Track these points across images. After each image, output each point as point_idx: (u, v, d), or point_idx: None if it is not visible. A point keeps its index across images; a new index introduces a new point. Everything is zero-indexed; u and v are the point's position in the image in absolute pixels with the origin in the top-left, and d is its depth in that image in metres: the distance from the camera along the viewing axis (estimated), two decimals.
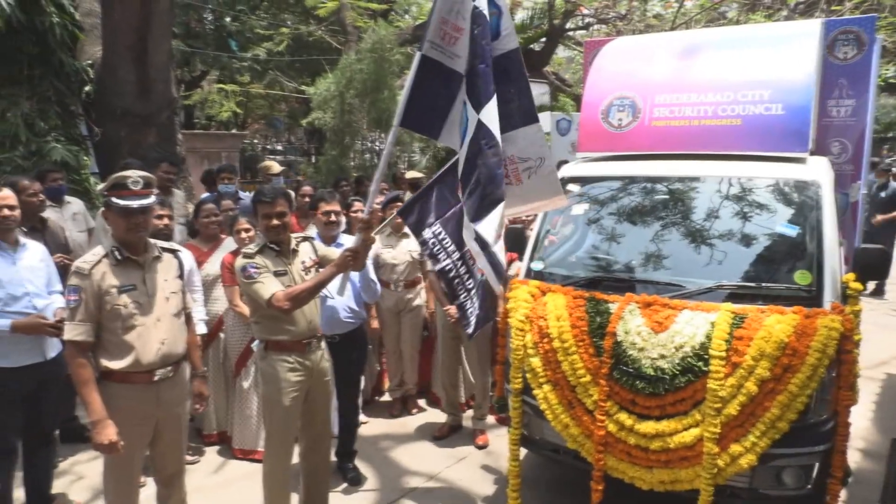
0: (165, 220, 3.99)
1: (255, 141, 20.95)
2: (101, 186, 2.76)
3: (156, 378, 2.77)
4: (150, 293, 2.79)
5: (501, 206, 2.93)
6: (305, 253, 3.33)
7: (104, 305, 2.66)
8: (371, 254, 4.75)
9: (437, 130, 3.32)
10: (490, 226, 2.89)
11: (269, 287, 3.03)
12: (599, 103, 3.95)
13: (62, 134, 6.37)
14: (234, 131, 17.68)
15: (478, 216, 2.93)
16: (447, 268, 3.64)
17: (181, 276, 2.99)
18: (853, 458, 4.20)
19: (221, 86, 16.06)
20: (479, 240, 2.95)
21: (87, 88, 6.98)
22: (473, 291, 3.76)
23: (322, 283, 3.11)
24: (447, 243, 3.57)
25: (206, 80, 17.34)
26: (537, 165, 3.13)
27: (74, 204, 4.91)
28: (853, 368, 2.80)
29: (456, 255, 3.60)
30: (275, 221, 3.15)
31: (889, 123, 21.91)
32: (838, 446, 2.80)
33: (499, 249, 3.00)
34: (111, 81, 6.68)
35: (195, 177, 7.66)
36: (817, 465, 2.82)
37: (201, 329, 3.98)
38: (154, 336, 2.76)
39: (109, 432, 2.62)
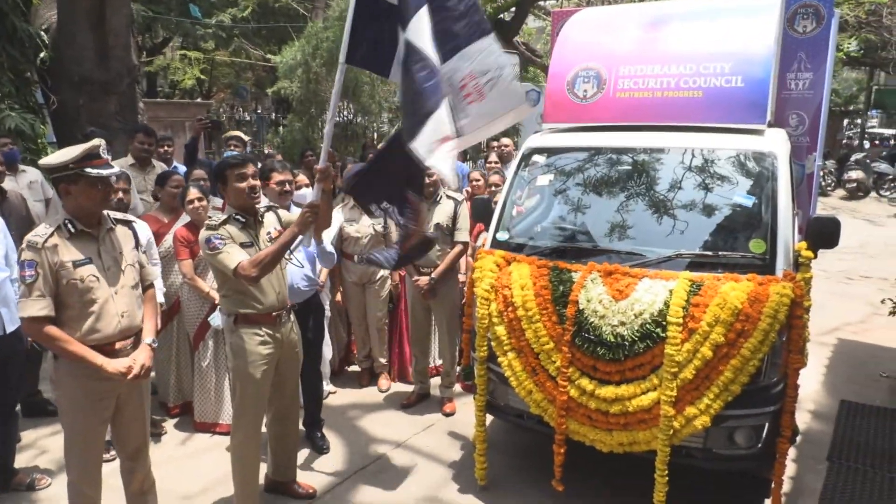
0: (120, 194, 3.93)
1: (222, 110, 20.50)
2: (67, 158, 2.60)
3: (116, 350, 2.73)
4: (107, 266, 2.72)
5: (433, 117, 2.85)
6: (270, 223, 3.30)
7: (60, 280, 2.59)
8: (335, 227, 4.77)
9: (388, 68, 3.22)
10: (425, 141, 2.82)
11: (235, 257, 3.00)
12: (565, 74, 3.96)
13: (16, 102, 6.18)
14: (198, 100, 17.27)
15: (412, 134, 2.86)
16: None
17: (137, 247, 2.93)
18: (804, 419, 4.40)
19: (185, 52, 15.64)
20: (417, 160, 2.87)
21: (42, 55, 6.75)
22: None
23: (286, 245, 3.06)
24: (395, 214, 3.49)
25: (168, 47, 16.86)
26: (497, 76, 3.03)
27: (31, 173, 4.78)
28: (803, 333, 2.91)
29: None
30: (252, 182, 3.13)
31: (849, 97, 22.38)
32: (787, 407, 2.93)
33: (440, 159, 2.87)
34: (68, 47, 6.48)
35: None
36: (767, 425, 2.94)
37: (159, 299, 3.93)
38: (112, 309, 2.71)
39: (115, 364, 2.65)
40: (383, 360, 5.16)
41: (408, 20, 2.89)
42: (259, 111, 21.47)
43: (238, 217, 3.15)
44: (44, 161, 2.70)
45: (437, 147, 2.88)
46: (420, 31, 2.87)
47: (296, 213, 4.02)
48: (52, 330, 2.58)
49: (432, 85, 2.90)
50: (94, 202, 2.69)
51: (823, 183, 16.08)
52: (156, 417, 4.39)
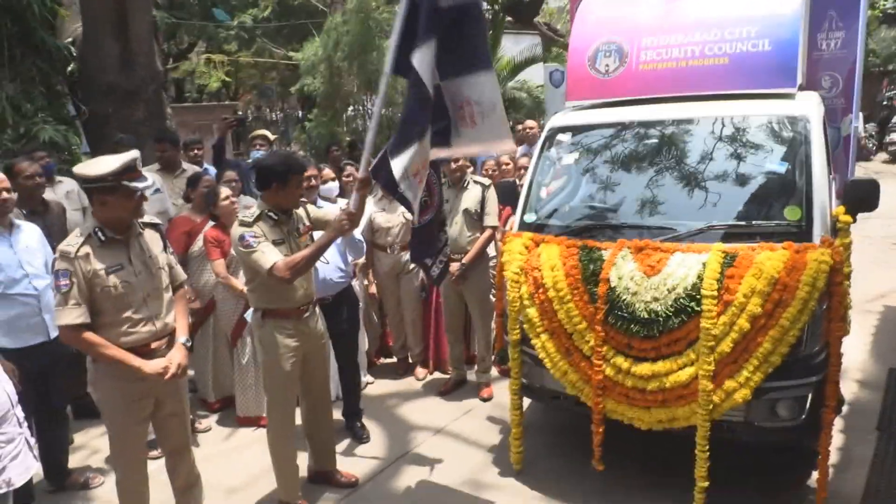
0: None
1: (249, 111, 20.74)
2: (107, 171, 2.63)
3: (151, 351, 2.79)
4: (138, 271, 2.77)
5: (416, 146, 2.92)
6: (300, 219, 3.34)
7: (94, 288, 2.64)
8: (365, 217, 4.79)
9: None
10: (401, 162, 2.89)
11: (270, 257, 3.03)
12: (586, 50, 3.90)
13: (50, 114, 6.31)
14: (225, 102, 17.48)
15: (395, 151, 2.93)
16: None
17: (165, 249, 2.97)
18: (851, 389, 4.28)
19: (209, 55, 15.84)
20: (391, 174, 2.96)
21: (70, 67, 6.91)
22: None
23: (321, 250, 3.10)
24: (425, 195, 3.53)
25: (193, 52, 17.07)
26: (490, 110, 3.13)
27: (67, 183, 4.91)
28: (843, 300, 2.83)
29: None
30: (305, 186, 3.24)
31: (889, 56, 21.50)
32: (831, 376, 2.84)
33: (406, 187, 3.00)
34: (94, 57, 6.61)
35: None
36: (811, 395, 2.87)
37: None
38: (146, 313, 2.76)
39: (153, 365, 2.72)
40: (418, 350, 5.19)
41: (416, 46, 2.90)
42: (285, 110, 21.64)
43: (271, 214, 3.18)
44: (81, 171, 2.71)
45: (410, 174, 2.96)
46: (424, 59, 2.90)
47: (324, 206, 4.06)
48: (89, 336, 2.64)
49: (423, 115, 2.98)
50: (129, 212, 2.74)
51: (863, 145, 15.44)
52: (199, 413, 4.51)
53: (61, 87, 6.78)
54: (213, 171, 5.78)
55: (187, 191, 4.62)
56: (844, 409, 3.85)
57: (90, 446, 4.25)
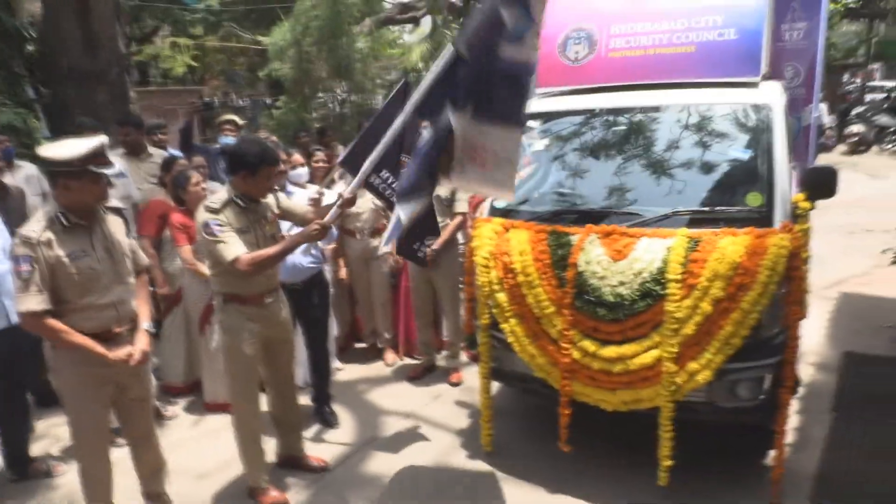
0: None
1: (216, 97, 20.38)
2: (74, 155, 2.57)
3: (115, 335, 2.75)
4: (101, 257, 2.71)
5: (425, 196, 2.91)
6: (268, 207, 3.30)
7: (57, 274, 2.58)
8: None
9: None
10: (407, 211, 2.86)
11: (233, 248, 2.98)
12: (556, 37, 3.92)
13: (7, 97, 6.14)
14: (192, 87, 17.15)
15: (404, 198, 2.87)
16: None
17: (128, 235, 2.92)
18: (808, 372, 4.42)
19: (174, 39, 15.50)
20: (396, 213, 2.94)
21: (29, 48, 6.71)
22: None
23: (287, 251, 3.11)
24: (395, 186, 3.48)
25: (158, 36, 16.68)
26: (506, 163, 3.04)
27: (27, 167, 4.79)
28: (802, 284, 2.91)
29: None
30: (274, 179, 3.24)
31: (849, 49, 22.05)
32: (788, 357, 2.94)
33: (401, 218, 2.93)
34: (54, 38, 6.44)
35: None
36: (769, 376, 2.95)
37: None
38: (108, 298, 2.71)
39: (117, 353, 2.68)
40: (388, 336, 5.19)
41: (458, 105, 2.77)
42: (253, 96, 21.30)
43: (238, 201, 3.14)
44: (47, 154, 2.64)
45: (412, 215, 2.90)
46: (459, 122, 2.78)
47: (294, 191, 4.03)
48: (51, 322, 2.58)
49: (437, 176, 2.91)
50: (94, 198, 2.69)
51: (829, 136, 15.76)
52: (171, 400, 4.45)
53: (19, 68, 6.59)
54: (178, 155, 5.68)
55: (162, 175, 4.56)
56: (801, 390, 3.98)
57: (52, 434, 4.16)
